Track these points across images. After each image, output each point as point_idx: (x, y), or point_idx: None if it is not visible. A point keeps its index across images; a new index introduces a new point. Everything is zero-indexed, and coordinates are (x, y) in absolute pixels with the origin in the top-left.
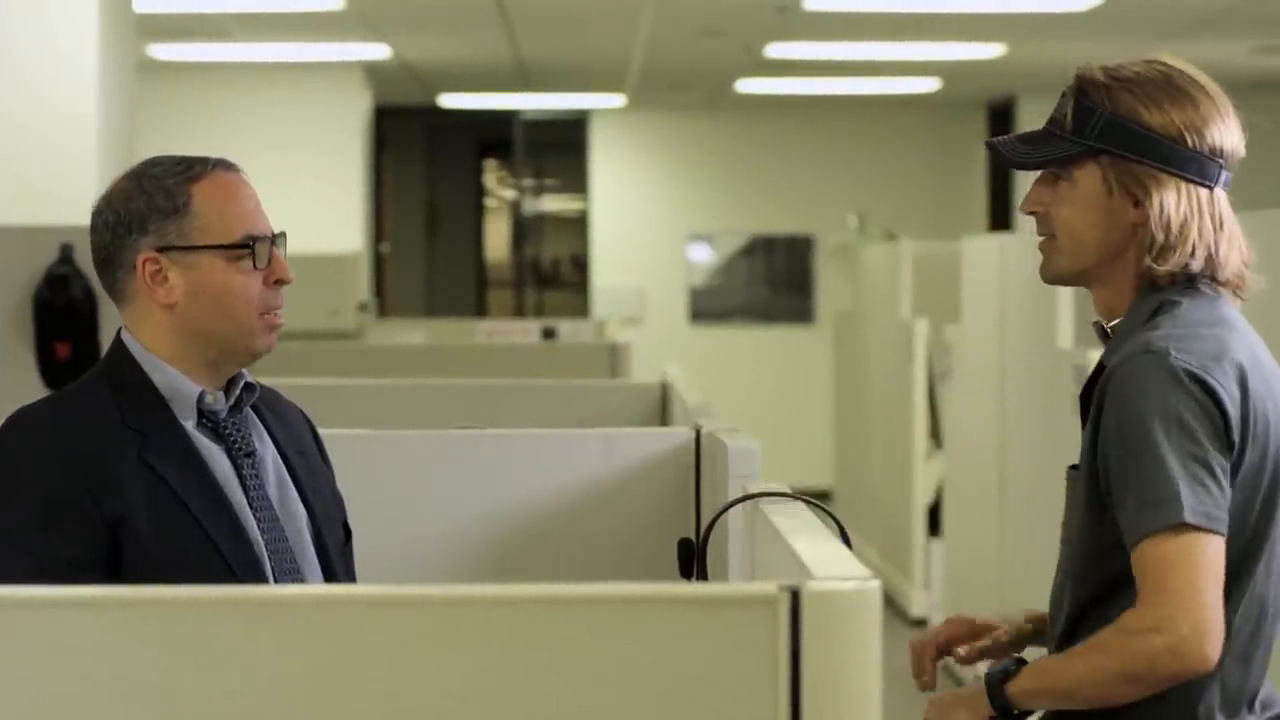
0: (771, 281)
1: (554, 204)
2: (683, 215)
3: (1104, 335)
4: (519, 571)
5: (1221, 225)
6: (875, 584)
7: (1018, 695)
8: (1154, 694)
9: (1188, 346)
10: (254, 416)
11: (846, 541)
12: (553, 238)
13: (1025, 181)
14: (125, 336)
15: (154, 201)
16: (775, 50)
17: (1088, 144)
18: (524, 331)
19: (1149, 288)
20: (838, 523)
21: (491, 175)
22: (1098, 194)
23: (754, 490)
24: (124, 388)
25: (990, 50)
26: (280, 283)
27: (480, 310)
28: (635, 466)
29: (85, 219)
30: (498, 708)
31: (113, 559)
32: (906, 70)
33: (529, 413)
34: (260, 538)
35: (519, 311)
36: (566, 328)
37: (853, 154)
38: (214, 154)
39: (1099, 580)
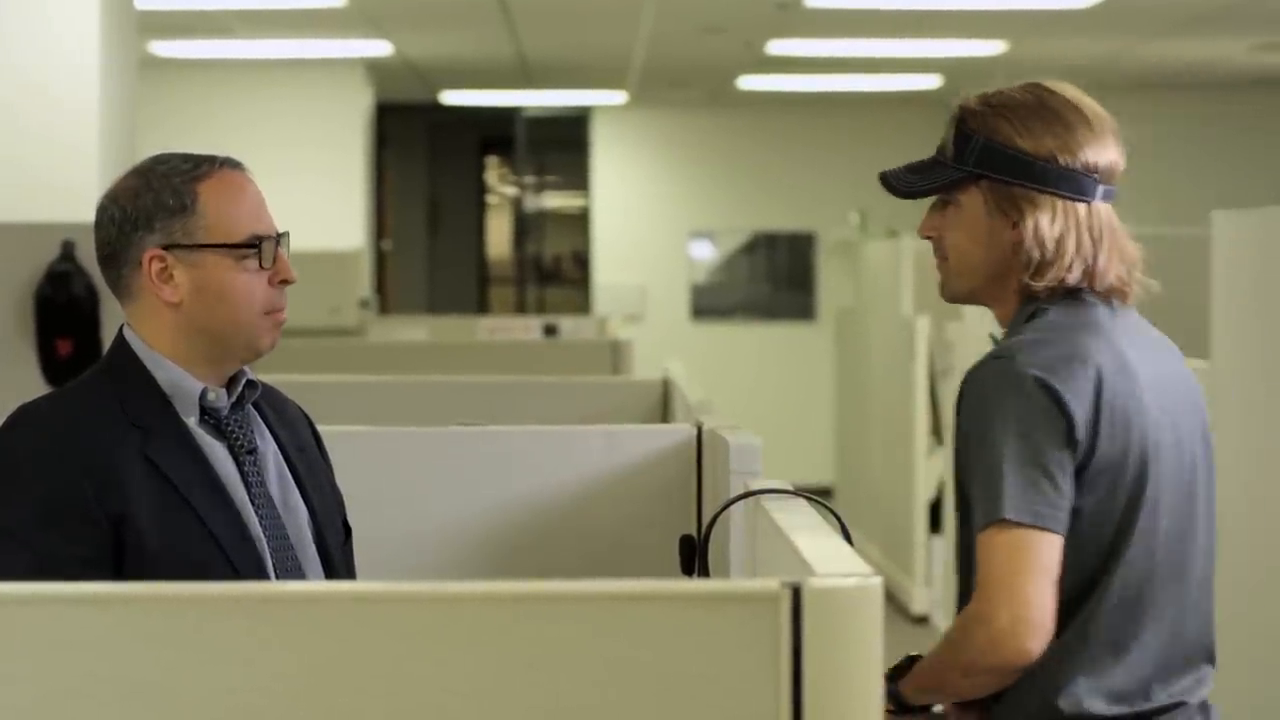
0: (773, 278)
1: (555, 201)
2: (684, 212)
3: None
4: (520, 568)
5: (1100, 237)
6: (877, 581)
7: (909, 692)
8: (1010, 685)
9: (1036, 350)
10: (255, 414)
11: (848, 538)
12: (554, 234)
13: None
14: (128, 333)
15: (161, 199)
16: (776, 47)
17: (968, 170)
18: (525, 328)
19: (1028, 300)
20: (839, 519)
21: (493, 172)
22: (980, 217)
23: (755, 487)
24: (126, 385)
25: (991, 47)
26: (285, 283)
27: (482, 307)
28: (637, 463)
29: (87, 216)
30: (499, 704)
31: (115, 556)
32: (908, 67)
33: (530, 409)
34: (262, 535)
35: (520, 308)
36: (568, 325)
37: (854, 151)
38: (215, 151)
39: (970, 580)
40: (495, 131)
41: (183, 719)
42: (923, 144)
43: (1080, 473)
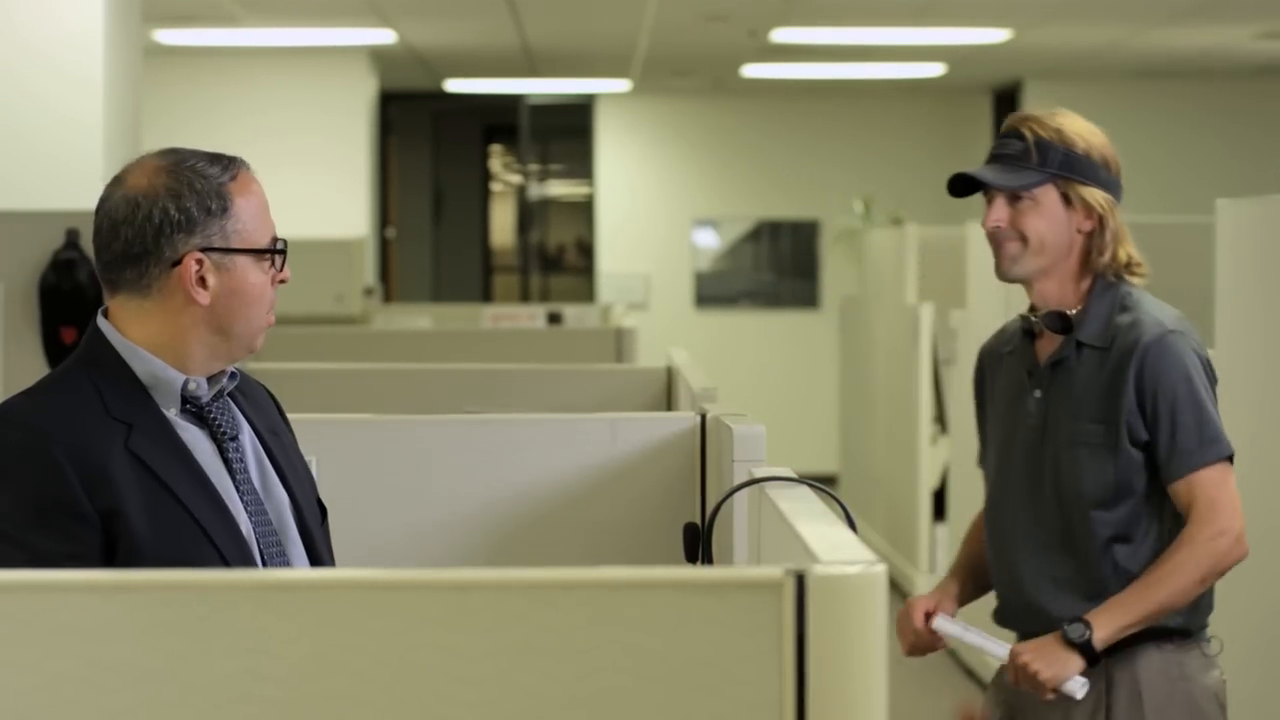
0: (777, 266)
1: (559, 189)
2: (688, 200)
3: (1060, 318)
4: (525, 556)
5: (1129, 234)
6: (880, 568)
7: (1101, 644)
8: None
9: (1185, 324)
10: (230, 402)
11: (852, 526)
12: (558, 223)
13: None
14: (104, 325)
15: (204, 202)
16: (780, 35)
17: (1052, 172)
18: (529, 316)
19: (1095, 279)
20: (843, 507)
21: (497, 160)
22: (1059, 209)
23: (759, 475)
24: (105, 378)
25: (996, 35)
26: (282, 283)
27: (486, 295)
28: (641, 451)
29: (91, 204)
30: (503, 691)
31: (106, 551)
32: (912, 55)
33: (534, 398)
34: (248, 521)
35: (524, 296)
36: (572, 313)
37: (858, 139)
38: (221, 140)
39: (1073, 522)
40: (499, 119)
41: (186, 706)
42: (927, 132)
43: None
